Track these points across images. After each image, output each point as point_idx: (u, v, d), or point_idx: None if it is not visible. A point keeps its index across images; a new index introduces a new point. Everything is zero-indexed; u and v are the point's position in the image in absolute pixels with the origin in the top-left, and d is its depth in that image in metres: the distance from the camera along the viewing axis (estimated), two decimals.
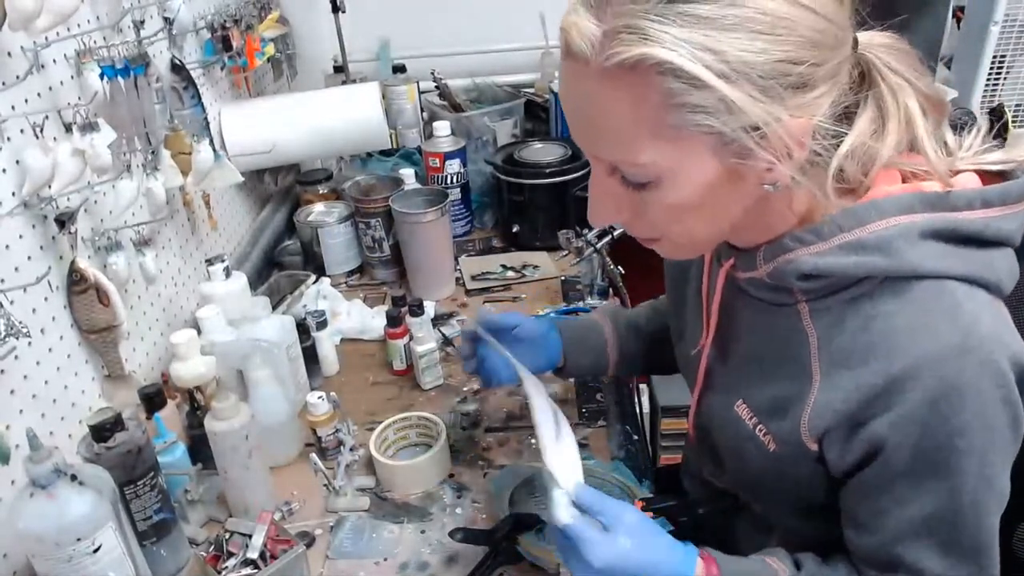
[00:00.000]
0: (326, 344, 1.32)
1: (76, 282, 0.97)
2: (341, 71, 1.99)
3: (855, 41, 0.65)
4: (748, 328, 0.79)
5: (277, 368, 1.13)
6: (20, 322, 0.85)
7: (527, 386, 0.86)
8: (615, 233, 1.37)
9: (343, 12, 1.89)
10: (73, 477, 0.74)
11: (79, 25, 1.02)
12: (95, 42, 1.03)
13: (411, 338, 1.27)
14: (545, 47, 2.00)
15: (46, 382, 0.95)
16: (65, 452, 0.75)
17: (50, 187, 0.91)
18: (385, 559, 0.97)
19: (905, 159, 0.68)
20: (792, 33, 0.58)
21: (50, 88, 0.98)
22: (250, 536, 0.92)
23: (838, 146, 0.63)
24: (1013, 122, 1.80)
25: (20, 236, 0.92)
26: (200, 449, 1.04)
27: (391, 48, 2.09)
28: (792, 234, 0.68)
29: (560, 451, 0.79)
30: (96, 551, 0.75)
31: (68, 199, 0.98)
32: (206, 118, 1.27)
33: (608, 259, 1.44)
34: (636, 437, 1.16)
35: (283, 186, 1.84)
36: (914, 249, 0.64)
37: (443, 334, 1.38)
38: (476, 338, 1.00)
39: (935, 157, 0.66)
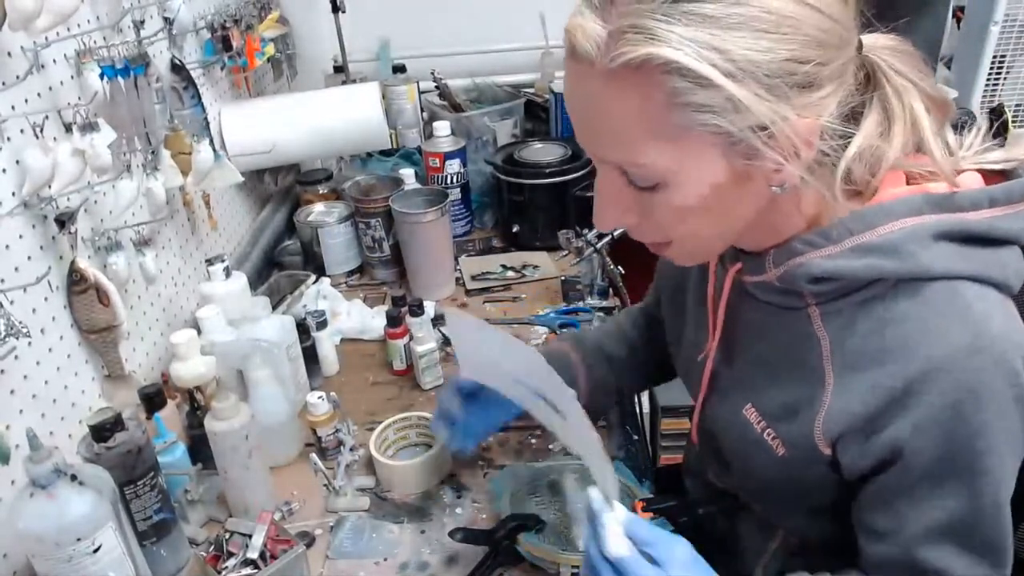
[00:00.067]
0: (326, 344, 1.32)
1: (76, 282, 0.97)
2: (341, 71, 1.99)
3: (860, 43, 0.65)
4: (755, 332, 0.78)
5: (277, 368, 1.13)
6: (20, 322, 0.85)
7: (564, 404, 0.75)
8: (615, 233, 1.37)
9: (343, 12, 1.89)
10: (73, 477, 0.74)
11: (79, 25, 1.02)
12: (95, 42, 1.03)
13: (411, 338, 1.27)
14: (545, 47, 2.00)
15: (46, 382, 0.95)
16: (65, 452, 0.75)
17: (50, 187, 0.91)
18: (385, 559, 0.97)
19: (911, 160, 0.68)
20: (797, 32, 0.58)
21: (50, 88, 0.98)
22: (250, 536, 0.92)
23: (845, 147, 0.63)
24: (1013, 122, 1.80)
25: (20, 236, 0.92)
26: (200, 449, 1.04)
27: (391, 48, 2.09)
28: (802, 237, 0.68)
29: (610, 472, 0.71)
30: (96, 551, 0.75)
31: (68, 199, 0.98)
32: (206, 118, 1.27)
33: (608, 259, 1.44)
34: (636, 437, 1.16)
35: (283, 186, 1.84)
36: (926, 251, 0.64)
37: (443, 334, 1.38)
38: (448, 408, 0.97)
39: (941, 158, 0.66)
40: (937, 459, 0.64)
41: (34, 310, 0.93)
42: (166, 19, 1.21)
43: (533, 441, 1.14)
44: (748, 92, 0.57)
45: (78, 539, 0.73)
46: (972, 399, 0.62)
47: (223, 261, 1.25)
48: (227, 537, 0.94)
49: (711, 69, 0.56)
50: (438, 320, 1.43)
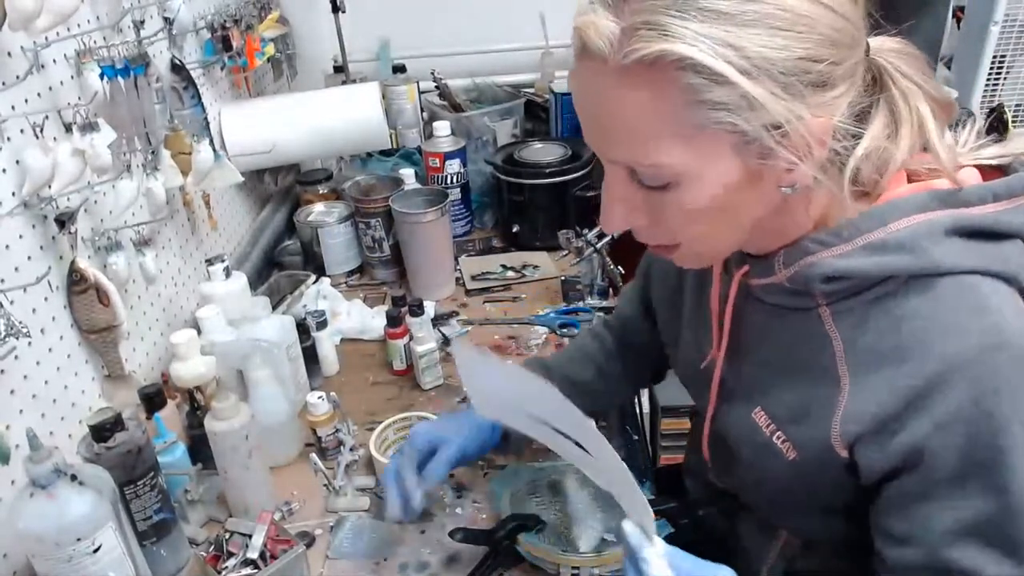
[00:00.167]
0: (326, 344, 1.32)
1: (76, 282, 0.97)
2: (341, 71, 1.99)
3: (867, 46, 0.65)
4: (761, 335, 0.77)
5: (277, 368, 1.13)
6: (20, 322, 0.85)
7: (585, 436, 0.72)
8: (615, 233, 1.37)
9: (343, 12, 1.89)
10: (73, 477, 0.74)
11: (79, 25, 1.02)
12: (95, 42, 1.03)
13: (411, 338, 1.27)
14: (545, 47, 2.00)
15: (46, 382, 0.95)
16: (65, 452, 0.75)
17: (50, 187, 0.91)
18: (385, 559, 0.97)
19: (916, 159, 0.68)
20: (812, 31, 0.58)
21: (50, 88, 0.98)
22: (250, 536, 0.92)
23: (854, 148, 0.63)
24: (1013, 122, 1.80)
25: (20, 236, 0.92)
26: (200, 449, 1.04)
27: (391, 48, 2.09)
28: (812, 236, 0.67)
29: (643, 503, 0.68)
30: (96, 551, 0.75)
31: (68, 199, 0.98)
32: (206, 118, 1.27)
33: (608, 259, 1.44)
34: (636, 437, 1.16)
35: (283, 186, 1.84)
36: (937, 247, 0.64)
37: (443, 334, 1.38)
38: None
39: (946, 158, 0.65)
40: (960, 458, 0.63)
41: (34, 310, 0.93)
42: (166, 19, 1.21)
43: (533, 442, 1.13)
44: (764, 90, 0.57)
45: (78, 539, 0.73)
46: (993, 395, 0.62)
47: (223, 261, 1.25)
48: (227, 537, 0.94)
49: (726, 66, 0.56)
50: (438, 320, 1.43)
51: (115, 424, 0.83)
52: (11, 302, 0.87)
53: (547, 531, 0.95)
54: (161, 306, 1.26)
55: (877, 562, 0.72)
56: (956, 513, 0.65)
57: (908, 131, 0.65)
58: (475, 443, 0.96)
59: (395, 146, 1.90)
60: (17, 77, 0.91)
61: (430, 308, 1.45)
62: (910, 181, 0.69)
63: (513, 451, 1.02)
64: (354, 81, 1.94)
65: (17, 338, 0.85)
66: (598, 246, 1.41)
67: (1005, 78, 1.82)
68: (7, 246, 0.89)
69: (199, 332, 1.12)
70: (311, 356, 1.27)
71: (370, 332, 1.41)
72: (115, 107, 1.04)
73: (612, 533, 0.94)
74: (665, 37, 0.56)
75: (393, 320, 1.28)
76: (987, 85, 1.82)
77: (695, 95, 0.57)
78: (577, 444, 0.72)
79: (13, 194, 0.90)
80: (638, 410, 1.34)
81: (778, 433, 0.74)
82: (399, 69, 1.94)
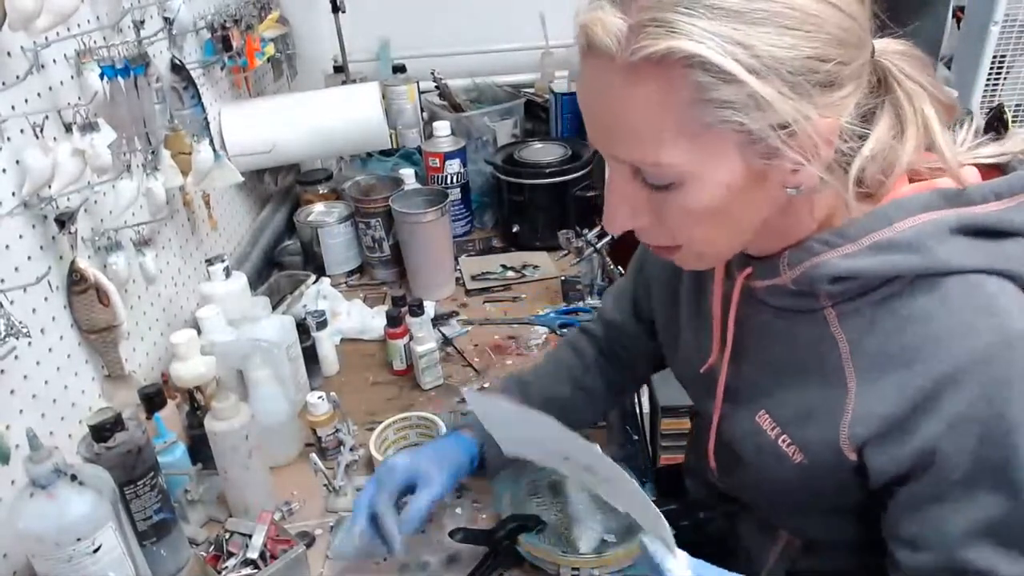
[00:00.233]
0: (326, 344, 1.32)
1: (76, 282, 0.97)
2: (341, 71, 1.99)
3: (872, 47, 0.65)
4: (764, 337, 0.76)
5: (277, 368, 1.13)
6: (20, 322, 0.85)
7: (592, 460, 0.73)
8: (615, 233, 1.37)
9: (343, 12, 1.89)
10: (73, 477, 0.74)
11: (79, 25, 1.02)
12: (95, 42, 1.03)
13: (411, 338, 1.27)
14: (545, 47, 2.00)
15: (46, 382, 0.95)
16: (65, 452, 0.75)
17: (50, 187, 0.91)
18: (385, 559, 0.97)
19: (918, 158, 0.67)
20: (820, 30, 0.57)
21: (50, 88, 0.98)
22: (250, 536, 0.92)
23: (859, 149, 0.63)
24: (1013, 122, 1.80)
25: (20, 236, 0.92)
26: (200, 449, 1.04)
27: (391, 48, 2.09)
28: (818, 237, 0.67)
29: (660, 518, 0.68)
30: (96, 551, 0.75)
31: (68, 199, 0.98)
32: (206, 118, 1.27)
33: (608, 259, 1.44)
34: (636, 437, 1.16)
35: (283, 186, 1.84)
36: (944, 246, 0.63)
37: (443, 334, 1.38)
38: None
39: (951, 158, 0.65)
40: (972, 459, 0.63)
41: (34, 310, 0.93)
42: (166, 19, 1.21)
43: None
44: (772, 89, 0.56)
45: (78, 539, 0.73)
46: (1003, 394, 0.61)
47: (223, 261, 1.25)
48: (227, 537, 0.94)
49: (735, 64, 0.55)
50: (438, 320, 1.43)
51: (115, 424, 0.83)
52: (11, 302, 0.87)
53: (547, 532, 0.95)
54: (161, 306, 1.26)
55: (890, 566, 0.71)
56: (970, 514, 0.65)
57: (914, 133, 0.65)
58: (453, 479, 0.92)
59: (395, 146, 1.90)
60: (17, 77, 0.91)
61: (430, 308, 1.45)
62: (912, 181, 0.69)
63: (489, 476, 1.00)
64: (354, 81, 1.94)
65: (17, 338, 0.85)
66: (598, 246, 1.41)
67: (1005, 78, 1.82)
68: (7, 246, 0.89)
69: (199, 332, 1.12)
70: (311, 356, 1.27)
71: (370, 332, 1.41)
72: (115, 107, 1.04)
73: (612, 534, 0.94)
74: (673, 34, 0.56)
75: (393, 320, 1.28)
76: (987, 85, 1.82)
77: (702, 93, 0.57)
78: (584, 469, 0.75)
79: (13, 194, 0.90)
80: (638, 410, 1.34)
81: (783, 436, 0.74)
82: (399, 69, 1.94)
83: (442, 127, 1.65)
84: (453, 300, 1.53)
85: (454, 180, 1.67)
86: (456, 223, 1.68)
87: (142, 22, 1.14)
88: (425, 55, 2.03)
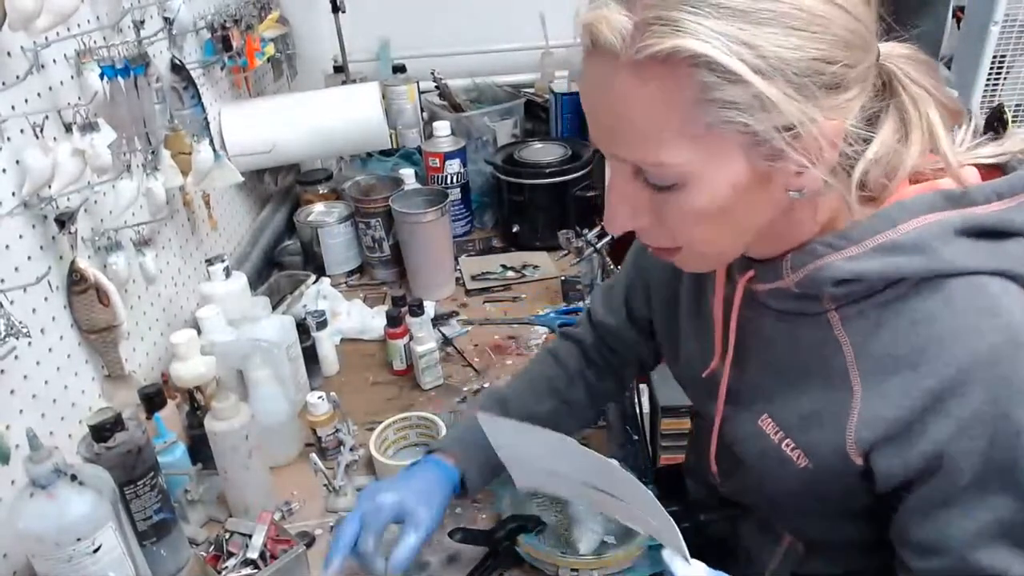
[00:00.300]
0: (326, 344, 1.32)
1: (76, 282, 0.97)
2: (341, 71, 1.99)
3: (878, 51, 0.64)
4: (768, 341, 0.76)
5: (277, 368, 1.13)
6: (20, 322, 0.85)
7: (609, 475, 0.73)
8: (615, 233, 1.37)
9: (343, 12, 1.89)
10: (73, 477, 0.74)
11: (79, 25, 1.02)
12: (95, 42, 1.03)
13: (411, 338, 1.27)
14: (545, 47, 2.00)
15: (46, 382, 0.95)
16: (65, 452, 0.75)
17: (50, 187, 0.91)
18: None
19: (921, 160, 0.67)
20: (826, 32, 0.57)
21: (50, 88, 0.98)
22: (250, 536, 0.92)
23: (863, 152, 0.62)
24: (1013, 122, 1.80)
25: (20, 236, 0.92)
26: (200, 449, 1.04)
27: (391, 48, 2.09)
28: (821, 239, 0.66)
29: (675, 529, 0.68)
30: (96, 551, 0.75)
31: (68, 199, 0.98)
32: (206, 118, 1.27)
33: (608, 259, 1.44)
34: (636, 437, 1.16)
35: (283, 186, 1.84)
36: (948, 247, 0.63)
37: (443, 334, 1.38)
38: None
39: (953, 161, 0.65)
40: (981, 461, 0.63)
41: (34, 310, 0.93)
42: (166, 19, 1.21)
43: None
44: (777, 90, 0.56)
45: (78, 539, 0.73)
46: (1010, 396, 0.61)
47: (223, 261, 1.25)
48: (227, 537, 0.94)
49: (740, 64, 0.55)
50: (438, 320, 1.43)
51: (115, 424, 0.83)
52: (11, 302, 0.87)
53: (547, 533, 0.95)
54: (161, 306, 1.26)
55: (899, 568, 0.71)
56: (980, 516, 0.65)
57: (919, 137, 0.64)
58: (441, 513, 0.90)
59: (395, 146, 1.90)
60: (17, 77, 0.91)
61: (430, 308, 1.45)
62: (914, 181, 0.69)
63: (469, 498, 1.00)
64: (354, 81, 1.94)
65: (17, 338, 0.85)
66: (598, 246, 1.41)
67: (1005, 78, 1.82)
68: (7, 246, 0.89)
69: (199, 332, 1.12)
70: (311, 356, 1.27)
71: (370, 332, 1.41)
72: (115, 107, 1.04)
73: (612, 536, 0.94)
74: (679, 33, 0.55)
75: (393, 320, 1.28)
76: (987, 85, 1.82)
77: (707, 93, 0.56)
78: (601, 490, 0.75)
79: (13, 194, 0.90)
80: (638, 410, 1.34)
81: (787, 440, 0.73)
82: (399, 69, 1.94)
83: (442, 127, 1.65)
84: (453, 300, 1.53)
85: (454, 180, 1.67)
86: (456, 223, 1.68)
87: (142, 22, 1.14)
88: (425, 55, 2.03)
